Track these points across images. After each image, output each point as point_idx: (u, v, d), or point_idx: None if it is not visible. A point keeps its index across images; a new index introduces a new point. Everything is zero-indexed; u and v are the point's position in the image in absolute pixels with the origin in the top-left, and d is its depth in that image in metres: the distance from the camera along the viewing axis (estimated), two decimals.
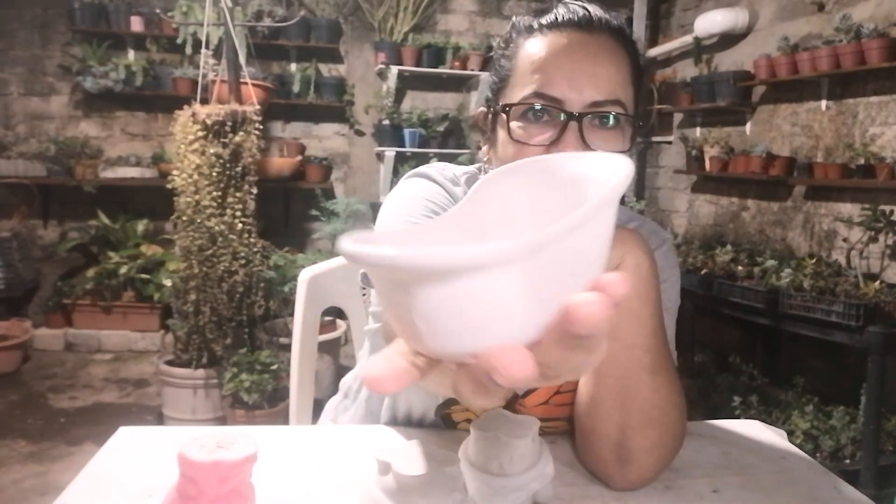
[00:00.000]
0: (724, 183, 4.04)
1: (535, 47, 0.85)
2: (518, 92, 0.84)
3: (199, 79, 3.42)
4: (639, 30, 3.80)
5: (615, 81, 0.82)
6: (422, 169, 0.97)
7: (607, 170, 0.44)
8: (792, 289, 2.68)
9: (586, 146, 0.80)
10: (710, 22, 3.91)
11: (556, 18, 0.85)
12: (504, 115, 0.85)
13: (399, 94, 4.82)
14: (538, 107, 0.82)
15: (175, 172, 3.14)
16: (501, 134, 0.86)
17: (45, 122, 4.59)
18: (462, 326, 0.35)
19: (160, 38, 4.51)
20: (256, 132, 3.22)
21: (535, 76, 0.83)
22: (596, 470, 0.84)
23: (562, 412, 0.93)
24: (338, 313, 3.60)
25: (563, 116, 0.80)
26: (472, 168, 1.00)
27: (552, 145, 0.81)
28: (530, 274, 0.34)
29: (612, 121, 0.82)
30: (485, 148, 0.93)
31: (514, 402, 0.94)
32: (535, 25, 0.86)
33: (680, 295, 0.97)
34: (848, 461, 2.44)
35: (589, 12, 0.85)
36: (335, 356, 3.61)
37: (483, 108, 0.93)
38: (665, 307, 0.83)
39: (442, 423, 0.97)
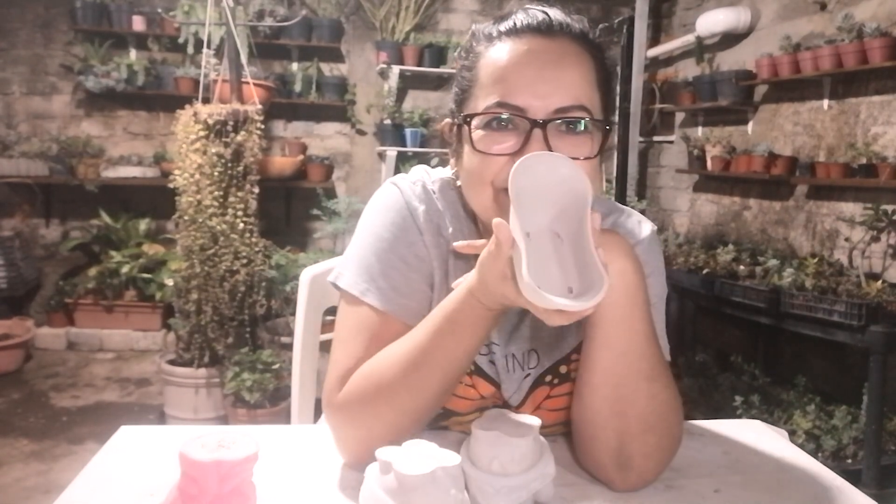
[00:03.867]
0: (725, 182, 4.04)
1: (495, 56, 0.83)
2: (481, 102, 0.82)
3: (201, 78, 3.42)
4: (640, 29, 3.79)
5: (579, 86, 0.80)
6: (393, 186, 0.94)
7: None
8: (794, 288, 2.68)
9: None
10: (712, 21, 3.91)
11: (516, 25, 0.83)
12: (467, 126, 0.83)
13: (401, 94, 4.81)
14: (503, 116, 0.80)
15: (177, 172, 3.14)
16: (466, 145, 0.84)
17: (47, 122, 4.60)
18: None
19: (162, 37, 4.51)
20: (258, 132, 3.22)
21: (497, 85, 0.81)
22: (596, 475, 0.84)
23: (555, 417, 0.93)
24: None
25: (527, 124, 0.78)
26: (448, 174, 0.95)
27: (516, 154, 0.78)
28: None
29: (578, 126, 0.80)
30: (452, 160, 0.91)
31: (508, 408, 0.93)
32: (495, 33, 0.84)
33: (666, 286, 0.97)
34: (850, 461, 2.43)
35: (549, 17, 0.83)
36: None
37: (448, 120, 0.91)
38: (651, 302, 0.82)
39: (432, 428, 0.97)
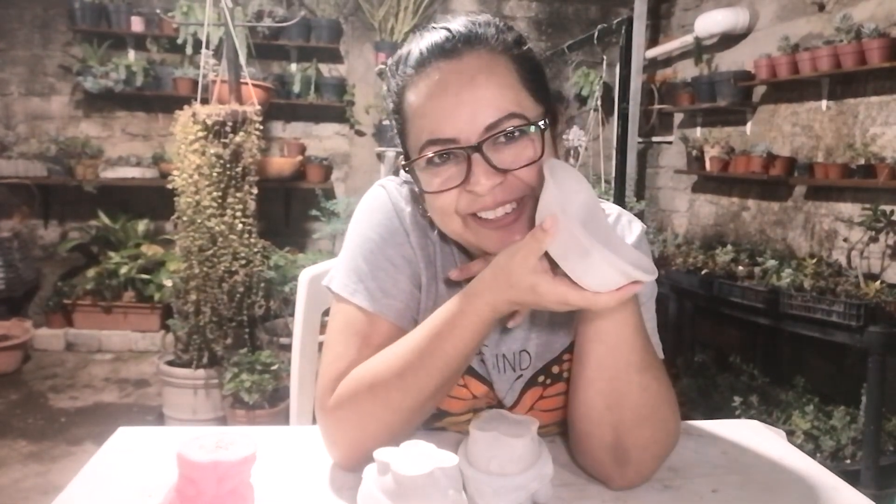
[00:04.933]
0: (724, 183, 4.04)
1: (413, 93, 0.82)
2: (414, 142, 0.83)
3: (200, 79, 3.42)
4: (639, 30, 3.78)
5: (502, 96, 0.79)
6: (381, 188, 0.95)
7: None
8: (792, 289, 2.68)
9: (498, 171, 0.78)
10: (711, 22, 3.91)
11: (422, 54, 0.82)
12: (411, 172, 0.84)
13: None
14: (435, 160, 0.80)
15: (175, 172, 3.14)
16: (422, 183, 0.84)
17: (46, 122, 4.59)
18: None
19: (160, 38, 4.51)
20: (257, 132, 3.22)
21: (422, 123, 0.81)
22: (594, 472, 0.84)
23: (550, 417, 0.93)
24: None
25: (464, 150, 0.78)
26: None
27: (464, 182, 0.78)
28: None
29: (514, 135, 0.79)
30: (420, 197, 0.90)
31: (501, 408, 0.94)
32: (408, 71, 0.83)
33: (656, 285, 0.96)
34: (848, 461, 2.43)
35: (451, 33, 0.81)
36: None
37: (402, 161, 0.91)
38: (641, 301, 0.83)
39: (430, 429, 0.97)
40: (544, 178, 0.74)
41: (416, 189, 0.88)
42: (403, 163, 0.85)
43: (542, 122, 0.80)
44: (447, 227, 0.85)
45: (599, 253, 0.66)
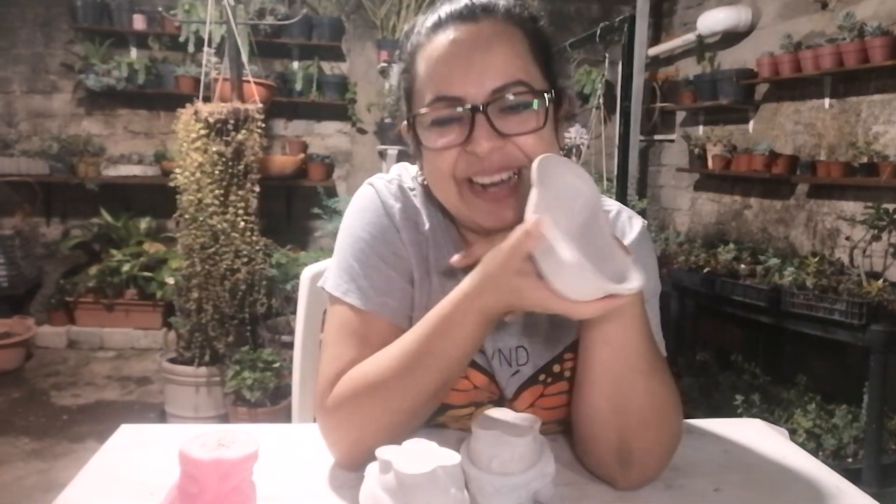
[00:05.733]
0: (726, 181, 4.03)
1: (426, 52, 0.84)
2: (421, 101, 0.84)
3: (202, 77, 3.42)
4: (641, 28, 3.79)
5: (512, 64, 0.81)
6: (369, 186, 0.96)
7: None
8: (794, 287, 2.67)
9: (499, 135, 0.79)
10: (713, 20, 3.90)
11: (440, 17, 0.84)
12: (414, 128, 0.84)
13: None
14: (442, 116, 0.81)
15: (177, 170, 3.15)
16: (422, 145, 0.85)
17: (48, 120, 4.60)
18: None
19: (162, 36, 4.51)
20: (259, 130, 3.22)
21: (431, 81, 0.82)
22: (598, 473, 0.84)
23: (550, 415, 0.93)
24: None
25: (469, 109, 0.79)
26: None
27: (465, 143, 0.80)
28: None
29: (520, 105, 0.80)
30: (417, 162, 0.92)
31: (502, 402, 0.93)
32: (423, 31, 0.85)
33: (659, 282, 0.96)
34: (850, 460, 2.43)
35: (472, 1, 0.83)
36: None
37: (404, 123, 0.91)
38: (644, 298, 0.82)
39: (432, 427, 0.97)
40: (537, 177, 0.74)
41: (414, 152, 0.88)
42: (409, 115, 0.86)
43: (548, 94, 0.81)
44: (442, 191, 0.85)
45: (576, 264, 0.65)
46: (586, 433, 0.83)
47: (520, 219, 0.76)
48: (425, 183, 0.92)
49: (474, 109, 0.79)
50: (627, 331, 0.77)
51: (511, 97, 0.80)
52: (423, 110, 0.83)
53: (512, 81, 0.80)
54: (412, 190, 0.94)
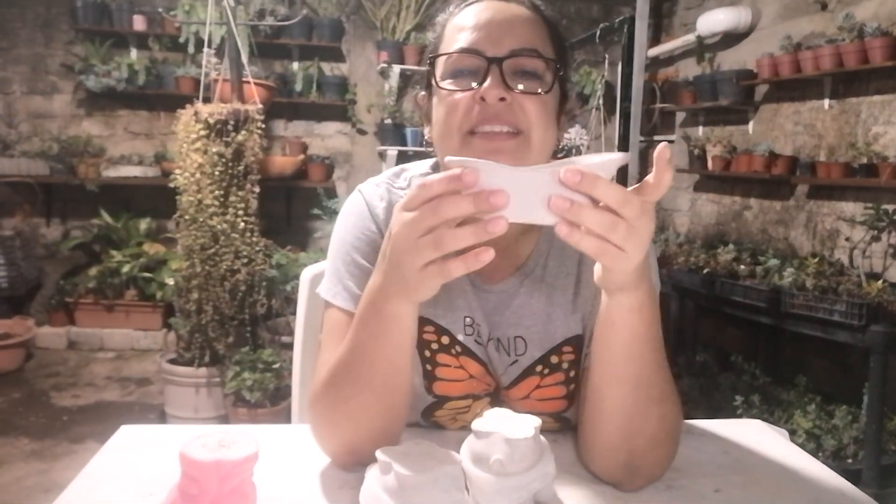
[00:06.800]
0: (726, 182, 4.04)
1: (455, 20, 0.89)
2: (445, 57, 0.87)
3: (202, 78, 3.42)
4: (641, 29, 3.79)
5: (533, 34, 0.86)
6: (357, 192, 0.98)
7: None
8: (794, 288, 2.67)
9: (508, 87, 0.82)
10: (713, 21, 3.91)
11: None
12: (433, 71, 0.88)
13: (401, 93, 4.81)
14: (460, 66, 0.84)
15: (177, 171, 3.15)
16: (435, 98, 0.88)
17: (48, 121, 4.60)
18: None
19: (162, 36, 4.51)
20: (259, 131, 3.22)
21: (456, 38, 0.86)
22: (602, 479, 0.84)
23: (544, 407, 0.93)
24: None
25: (486, 59, 0.82)
26: (426, 168, 1.02)
27: (476, 91, 0.82)
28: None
29: (534, 72, 0.84)
30: (427, 129, 0.95)
31: (498, 393, 0.94)
32: (457, 7, 0.90)
33: (659, 281, 0.96)
34: (850, 460, 2.43)
35: None
36: None
37: (423, 92, 0.95)
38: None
39: (431, 428, 0.98)
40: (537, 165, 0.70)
41: (425, 112, 0.93)
42: (430, 56, 0.90)
43: (558, 66, 0.86)
44: (445, 145, 0.86)
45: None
46: (594, 452, 0.84)
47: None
48: (430, 144, 0.92)
49: (490, 60, 0.82)
50: (644, 368, 0.76)
51: (525, 63, 0.84)
52: (444, 58, 0.86)
53: (529, 47, 0.84)
54: (402, 189, 0.96)
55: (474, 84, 0.83)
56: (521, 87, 0.83)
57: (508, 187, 0.60)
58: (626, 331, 0.73)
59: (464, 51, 0.84)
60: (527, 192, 0.61)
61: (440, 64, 0.88)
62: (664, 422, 0.79)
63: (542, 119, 0.84)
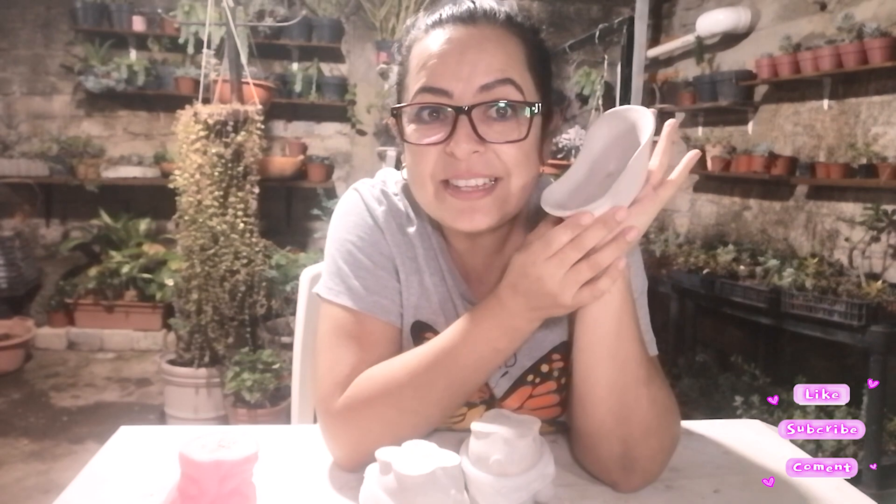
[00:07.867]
0: (726, 182, 4.04)
1: (421, 46, 0.84)
2: (410, 93, 0.84)
3: (201, 78, 3.42)
4: (640, 29, 3.78)
5: (504, 63, 0.80)
6: (354, 191, 0.96)
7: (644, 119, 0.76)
8: (794, 288, 2.67)
9: (480, 140, 0.78)
10: (712, 21, 3.91)
11: (441, 17, 0.84)
12: (399, 120, 0.84)
13: None
14: (428, 108, 0.81)
15: (177, 172, 3.15)
16: (406, 143, 0.85)
17: (48, 122, 4.60)
18: None
19: (162, 37, 4.51)
20: (258, 132, 3.22)
21: (421, 73, 0.82)
22: (600, 477, 0.84)
23: (539, 415, 0.92)
24: None
25: (453, 110, 0.78)
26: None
27: (446, 142, 0.79)
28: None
29: (507, 112, 0.80)
30: (403, 157, 0.91)
31: (492, 405, 0.94)
32: (423, 27, 0.86)
33: (646, 279, 0.96)
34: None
35: (474, 5, 0.84)
36: None
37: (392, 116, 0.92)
38: (633, 297, 0.82)
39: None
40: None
41: (399, 143, 0.89)
42: (394, 107, 0.85)
43: (536, 105, 0.81)
44: (419, 191, 0.85)
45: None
46: (589, 443, 0.84)
47: (491, 223, 0.80)
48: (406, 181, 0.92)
49: (458, 111, 0.78)
50: (630, 345, 0.79)
51: (500, 104, 0.79)
52: (408, 100, 0.83)
53: (501, 79, 0.79)
54: (396, 195, 0.95)
55: (442, 133, 0.80)
56: (495, 134, 0.79)
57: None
58: (612, 306, 0.77)
59: (429, 91, 0.80)
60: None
61: (406, 98, 0.85)
62: (654, 405, 0.80)
63: (521, 162, 0.80)
